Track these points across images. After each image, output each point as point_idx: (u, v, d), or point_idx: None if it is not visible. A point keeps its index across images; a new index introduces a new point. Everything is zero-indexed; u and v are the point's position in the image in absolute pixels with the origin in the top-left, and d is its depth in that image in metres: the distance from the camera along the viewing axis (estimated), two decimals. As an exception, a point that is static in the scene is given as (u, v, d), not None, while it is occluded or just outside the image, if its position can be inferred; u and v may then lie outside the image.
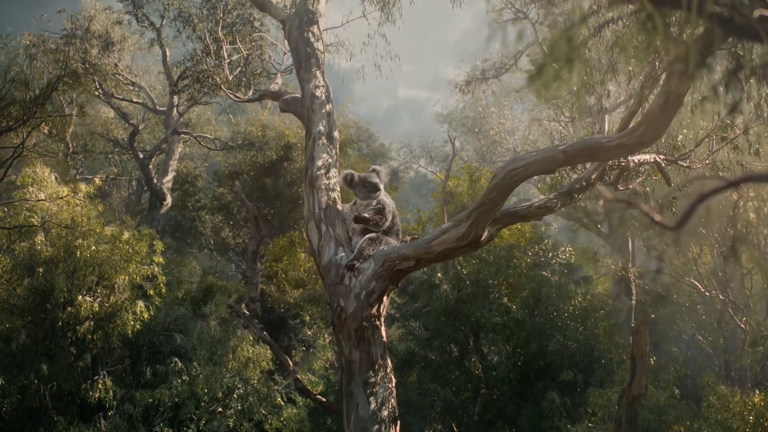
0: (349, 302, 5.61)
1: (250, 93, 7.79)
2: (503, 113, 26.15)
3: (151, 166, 17.01)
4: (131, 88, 18.69)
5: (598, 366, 12.74)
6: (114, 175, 23.42)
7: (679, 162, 6.64)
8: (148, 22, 16.10)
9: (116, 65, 17.89)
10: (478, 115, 26.97)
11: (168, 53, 17.03)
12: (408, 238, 5.95)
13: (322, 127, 6.21)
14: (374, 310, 5.64)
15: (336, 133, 6.36)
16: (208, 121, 21.29)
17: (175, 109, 17.29)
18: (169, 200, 17.48)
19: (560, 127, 15.93)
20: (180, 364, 10.30)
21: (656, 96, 4.21)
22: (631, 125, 5.56)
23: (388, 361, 5.79)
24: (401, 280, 5.82)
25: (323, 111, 6.27)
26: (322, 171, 6.10)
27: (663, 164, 6.23)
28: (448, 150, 28.28)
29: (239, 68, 8.10)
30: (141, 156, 17.24)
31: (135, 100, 19.11)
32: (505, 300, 13.47)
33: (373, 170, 5.97)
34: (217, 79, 7.52)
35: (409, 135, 31.16)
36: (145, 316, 9.77)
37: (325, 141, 6.18)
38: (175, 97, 17.05)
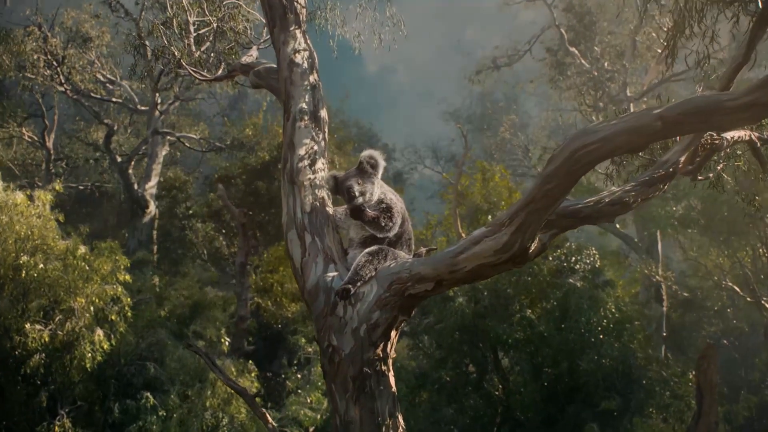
0: (344, 340, 4.04)
1: (221, 71, 6.26)
2: (513, 108, 24.62)
3: (131, 171, 15.51)
4: (111, 86, 17.19)
5: (637, 386, 11.14)
6: (100, 182, 21.91)
7: (773, 142, 5.06)
8: (124, 10, 14.62)
9: (94, 62, 16.47)
10: (486, 111, 25.41)
11: (148, 45, 15.56)
12: (423, 250, 4.38)
13: (304, 104, 4.66)
14: (379, 351, 4.07)
15: (324, 113, 4.79)
16: (196, 119, 19.70)
17: (156, 109, 15.78)
18: (152, 208, 15.97)
19: (580, 116, 14.42)
20: (152, 399, 8.77)
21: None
22: (732, 86, 4.00)
23: (400, 419, 4.21)
24: (415, 309, 4.27)
25: (306, 83, 4.72)
26: (306, 162, 4.54)
27: (758, 144, 4.65)
28: (454, 149, 26.77)
29: (208, 42, 6.59)
30: (119, 159, 15.73)
31: (115, 99, 17.58)
32: (528, 312, 11.90)
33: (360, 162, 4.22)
34: (175, 52, 6.00)
35: (414, 134, 29.49)
36: (105, 346, 8.22)
37: (308, 122, 4.63)
38: (156, 94, 15.55)
